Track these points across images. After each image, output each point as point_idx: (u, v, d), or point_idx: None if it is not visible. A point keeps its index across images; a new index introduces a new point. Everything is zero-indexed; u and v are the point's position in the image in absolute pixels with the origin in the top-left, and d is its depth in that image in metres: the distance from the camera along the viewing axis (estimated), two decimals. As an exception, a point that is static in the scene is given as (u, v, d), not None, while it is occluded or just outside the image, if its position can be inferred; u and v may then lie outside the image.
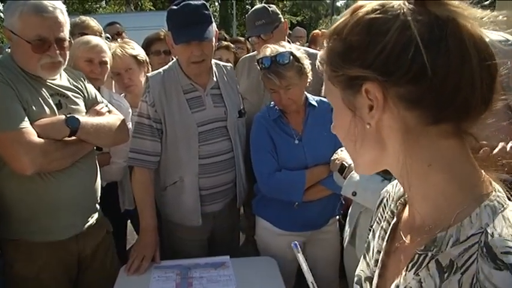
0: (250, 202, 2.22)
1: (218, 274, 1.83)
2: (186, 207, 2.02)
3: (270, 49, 1.89)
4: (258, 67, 1.95)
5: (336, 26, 0.62)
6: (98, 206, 1.95)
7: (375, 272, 0.75)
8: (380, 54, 0.55)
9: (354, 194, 1.61)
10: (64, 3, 1.73)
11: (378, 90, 0.57)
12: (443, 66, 0.53)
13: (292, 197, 1.93)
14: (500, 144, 1.23)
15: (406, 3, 0.56)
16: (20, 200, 1.68)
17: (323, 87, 0.69)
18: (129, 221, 2.71)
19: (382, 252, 0.74)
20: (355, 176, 1.63)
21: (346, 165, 1.69)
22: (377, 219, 0.83)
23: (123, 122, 1.96)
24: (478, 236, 0.54)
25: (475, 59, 0.53)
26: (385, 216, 0.79)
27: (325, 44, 0.65)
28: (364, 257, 0.82)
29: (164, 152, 2.01)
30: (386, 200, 0.82)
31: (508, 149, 1.23)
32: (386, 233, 0.76)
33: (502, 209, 0.56)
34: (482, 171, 0.61)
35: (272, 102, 2.04)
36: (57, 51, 1.64)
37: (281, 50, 1.87)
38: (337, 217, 2.17)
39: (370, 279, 0.77)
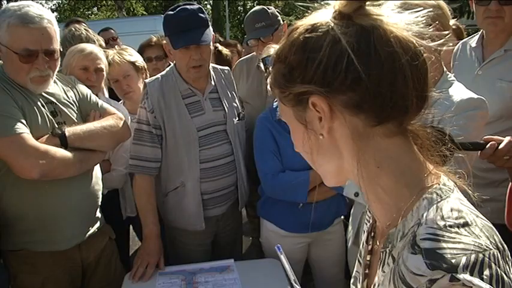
0: (253, 204, 2.21)
1: (223, 278, 1.83)
2: (189, 212, 2.01)
3: (273, 49, 1.90)
4: (262, 67, 1.94)
5: (276, 51, 0.67)
6: (99, 214, 1.94)
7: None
8: (318, 68, 0.59)
9: (356, 195, 1.61)
10: (56, 10, 1.71)
11: (322, 102, 0.61)
12: (375, 69, 0.58)
13: (297, 198, 1.92)
14: (507, 139, 1.23)
15: (333, 20, 0.61)
16: (21, 211, 1.67)
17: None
18: (131, 227, 2.70)
19: (364, 254, 0.78)
20: None
21: None
22: (365, 220, 0.86)
23: (121, 119, 1.93)
24: (414, 227, 0.58)
25: (404, 58, 0.58)
26: (368, 218, 0.83)
27: (271, 70, 0.69)
28: (358, 259, 0.85)
29: (165, 157, 2.00)
30: None
31: None
32: (368, 235, 0.79)
33: (440, 199, 0.59)
34: (431, 165, 0.65)
35: (275, 104, 2.04)
36: (46, 64, 1.62)
37: None
38: (342, 217, 2.17)
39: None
